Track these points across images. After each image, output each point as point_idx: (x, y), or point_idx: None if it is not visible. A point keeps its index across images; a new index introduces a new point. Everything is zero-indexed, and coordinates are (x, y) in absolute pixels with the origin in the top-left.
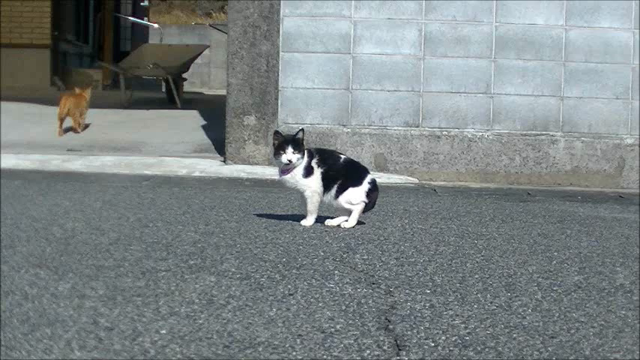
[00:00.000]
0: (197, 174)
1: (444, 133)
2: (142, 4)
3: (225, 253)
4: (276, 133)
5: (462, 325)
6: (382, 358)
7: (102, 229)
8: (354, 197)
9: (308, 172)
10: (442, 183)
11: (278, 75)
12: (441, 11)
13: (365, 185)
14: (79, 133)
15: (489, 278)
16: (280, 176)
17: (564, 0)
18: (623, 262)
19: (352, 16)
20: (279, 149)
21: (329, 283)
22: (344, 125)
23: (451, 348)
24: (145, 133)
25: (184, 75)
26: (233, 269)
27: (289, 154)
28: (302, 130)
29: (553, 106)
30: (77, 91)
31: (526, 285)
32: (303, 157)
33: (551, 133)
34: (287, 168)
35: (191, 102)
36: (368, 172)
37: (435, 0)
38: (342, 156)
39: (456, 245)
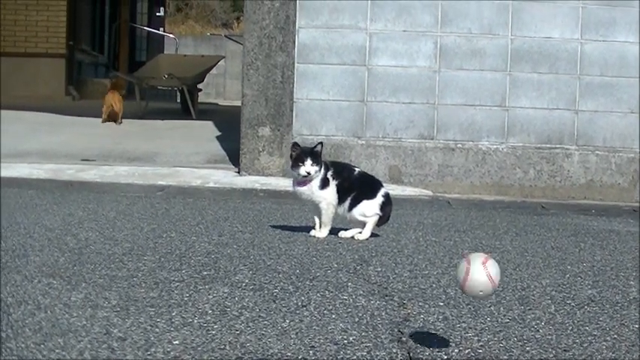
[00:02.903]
0: (211, 185)
1: (458, 145)
2: (157, 14)
3: (238, 264)
4: (295, 145)
5: (475, 338)
6: None
7: (115, 239)
8: (368, 210)
9: (324, 184)
10: (456, 195)
11: (293, 86)
12: (457, 24)
13: (379, 198)
14: (120, 124)
15: (503, 291)
16: (295, 188)
17: (580, 14)
18: (637, 275)
19: (368, 28)
20: (297, 161)
21: (342, 295)
22: (359, 137)
23: None
24: (160, 143)
25: (199, 85)
26: (246, 280)
27: (307, 166)
28: (321, 143)
29: (568, 120)
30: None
31: (539, 298)
32: (320, 170)
33: (565, 147)
34: (304, 180)
35: (206, 113)
36: (382, 186)
37: (451, 12)
38: (357, 169)
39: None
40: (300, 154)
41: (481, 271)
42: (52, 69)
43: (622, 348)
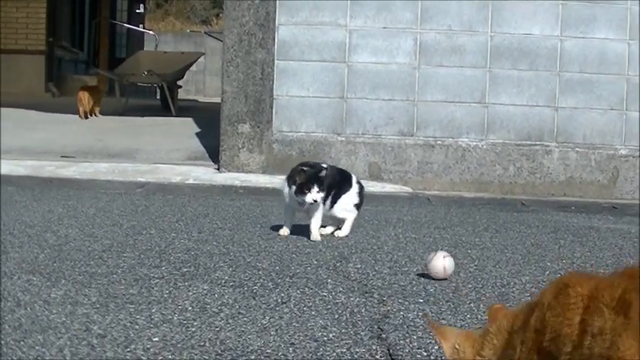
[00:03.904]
0: (191, 181)
1: (438, 142)
2: (137, 11)
3: (218, 261)
4: (302, 170)
5: None
6: None
7: (95, 235)
8: (349, 203)
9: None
10: (436, 192)
11: (273, 83)
12: (437, 20)
13: (355, 187)
14: (88, 118)
15: (482, 288)
16: (299, 208)
17: (560, 10)
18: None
19: (348, 24)
20: (303, 188)
21: (322, 292)
22: (338, 134)
23: (444, 357)
24: (140, 140)
25: (179, 82)
26: (226, 277)
27: (314, 194)
28: (326, 168)
29: (548, 117)
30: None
31: (519, 295)
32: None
33: (545, 144)
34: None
35: (186, 109)
36: (351, 175)
37: (431, 9)
38: (325, 165)
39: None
40: (308, 180)
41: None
42: (32, 66)
43: None
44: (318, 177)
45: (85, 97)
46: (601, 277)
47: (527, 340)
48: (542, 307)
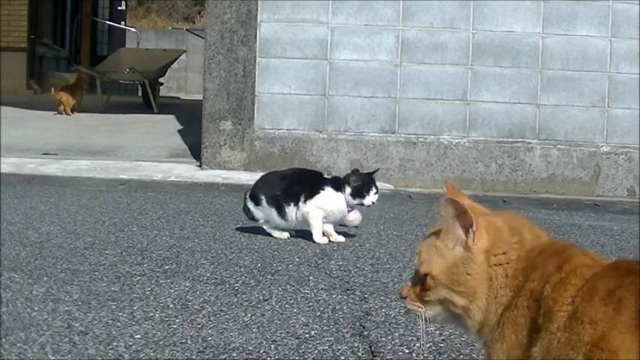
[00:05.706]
0: (173, 179)
1: (420, 139)
2: (119, 8)
3: (200, 258)
4: (356, 173)
5: (437, 332)
6: None
7: (77, 233)
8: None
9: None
10: (418, 189)
11: (255, 80)
12: (419, 18)
13: None
14: (70, 115)
15: None
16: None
17: (542, 8)
18: None
19: (329, 22)
20: (361, 190)
21: (304, 289)
22: (320, 131)
23: (426, 355)
24: (121, 137)
25: (161, 79)
26: (208, 274)
27: (372, 196)
28: (378, 169)
29: (529, 114)
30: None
31: None
32: None
33: (527, 141)
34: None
35: (168, 106)
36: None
37: (413, 6)
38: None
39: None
40: (365, 183)
41: None
42: (14, 63)
43: None
44: (374, 179)
45: (58, 96)
46: (598, 262)
47: (520, 306)
48: (543, 277)
